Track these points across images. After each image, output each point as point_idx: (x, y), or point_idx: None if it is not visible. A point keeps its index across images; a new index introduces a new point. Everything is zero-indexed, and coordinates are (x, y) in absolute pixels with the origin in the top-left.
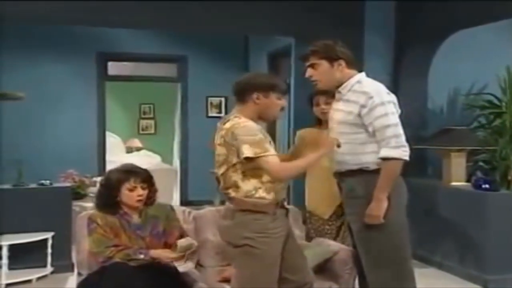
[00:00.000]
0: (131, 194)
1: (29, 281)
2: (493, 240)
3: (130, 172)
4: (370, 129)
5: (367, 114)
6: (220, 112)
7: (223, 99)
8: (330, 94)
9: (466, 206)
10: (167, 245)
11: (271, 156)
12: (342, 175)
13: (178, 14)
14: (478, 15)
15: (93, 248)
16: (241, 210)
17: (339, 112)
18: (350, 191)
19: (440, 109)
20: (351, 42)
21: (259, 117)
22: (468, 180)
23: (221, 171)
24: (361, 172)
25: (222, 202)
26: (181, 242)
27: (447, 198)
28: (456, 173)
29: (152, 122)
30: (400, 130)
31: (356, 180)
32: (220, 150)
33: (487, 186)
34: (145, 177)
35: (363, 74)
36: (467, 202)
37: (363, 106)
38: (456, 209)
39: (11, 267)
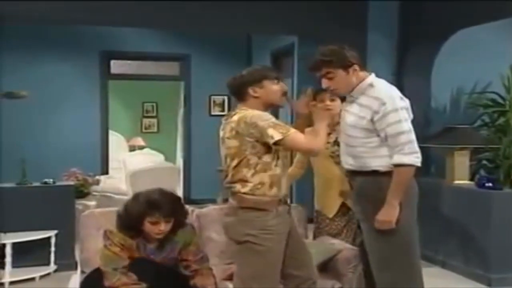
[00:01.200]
0: (153, 227)
1: (32, 279)
2: (496, 238)
3: (155, 206)
4: (383, 134)
5: (379, 120)
6: (223, 110)
7: (226, 98)
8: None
9: (470, 204)
10: (182, 265)
11: (295, 132)
12: (353, 174)
13: (180, 13)
14: (481, 14)
15: (101, 264)
16: (243, 208)
17: (351, 115)
18: (361, 190)
19: (444, 108)
20: (354, 42)
21: (265, 108)
22: (471, 179)
23: (233, 164)
24: (373, 172)
25: (225, 201)
26: None
27: (450, 196)
28: (460, 171)
29: (155, 120)
30: (413, 136)
31: (367, 180)
32: (231, 143)
33: (490, 184)
34: (171, 211)
35: (373, 75)
36: (471, 200)
37: (376, 112)
38: (460, 207)
39: (14, 265)
